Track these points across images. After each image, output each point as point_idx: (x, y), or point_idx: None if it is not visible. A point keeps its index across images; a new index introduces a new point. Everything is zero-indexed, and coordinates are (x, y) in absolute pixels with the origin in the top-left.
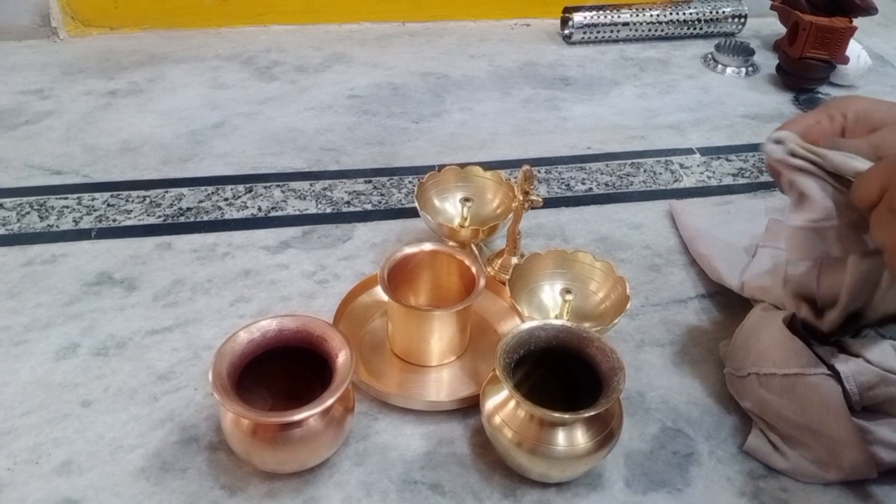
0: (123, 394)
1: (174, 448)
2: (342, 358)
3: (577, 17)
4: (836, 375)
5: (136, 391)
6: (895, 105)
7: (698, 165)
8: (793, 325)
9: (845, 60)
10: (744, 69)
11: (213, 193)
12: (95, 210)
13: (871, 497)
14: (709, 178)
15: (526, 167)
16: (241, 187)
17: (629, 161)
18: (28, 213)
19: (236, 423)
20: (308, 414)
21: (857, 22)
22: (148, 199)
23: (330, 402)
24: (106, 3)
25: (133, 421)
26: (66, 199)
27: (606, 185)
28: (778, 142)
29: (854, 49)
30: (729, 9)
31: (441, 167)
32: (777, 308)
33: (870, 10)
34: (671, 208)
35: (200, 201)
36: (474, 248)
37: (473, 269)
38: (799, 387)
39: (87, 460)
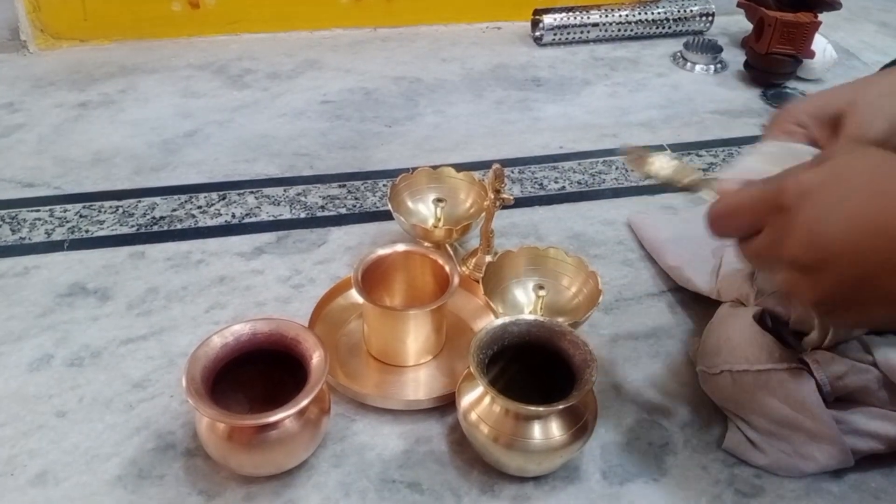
0: (98, 403)
1: (151, 455)
2: (316, 359)
3: (548, 19)
4: (806, 367)
5: (112, 400)
6: (841, 87)
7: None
8: (762, 320)
9: (811, 55)
10: (712, 66)
11: (186, 202)
12: (68, 221)
13: (843, 479)
14: None
15: (496, 166)
16: (214, 195)
17: (601, 159)
18: (0, 226)
19: (212, 428)
20: (283, 415)
21: (821, 17)
22: (121, 210)
23: (304, 403)
24: (75, 15)
25: (109, 430)
26: (38, 211)
27: (579, 183)
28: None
29: (820, 43)
30: (696, 7)
31: (414, 170)
32: (744, 304)
33: (834, 5)
34: (630, 223)
35: (174, 210)
36: (449, 249)
37: (447, 269)
38: (772, 382)
39: (62, 471)
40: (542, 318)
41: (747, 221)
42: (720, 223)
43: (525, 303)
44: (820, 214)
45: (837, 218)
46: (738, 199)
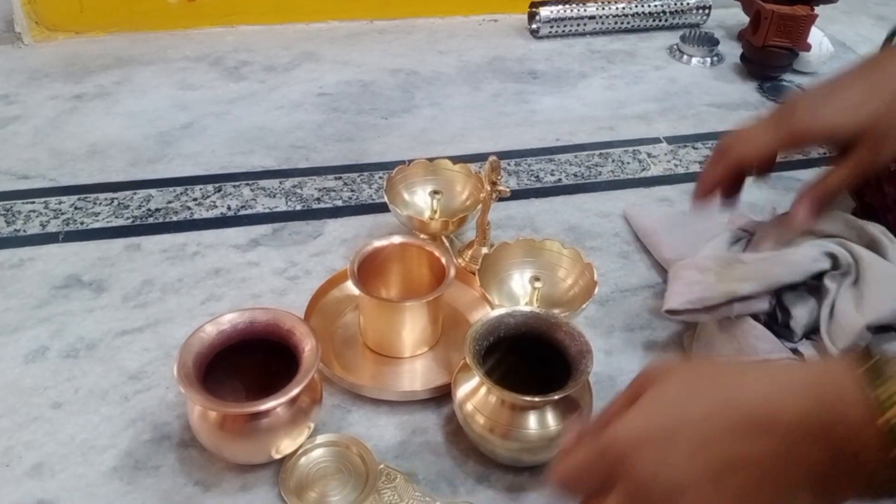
0: (94, 395)
1: (146, 447)
2: (308, 349)
3: (544, 12)
4: (800, 359)
5: (108, 392)
6: (849, 101)
7: (665, 154)
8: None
9: (807, 48)
10: (709, 59)
11: (182, 194)
12: (63, 213)
13: None
14: (675, 166)
15: (492, 158)
16: (210, 187)
17: (597, 151)
18: None
19: (204, 417)
20: (273, 404)
21: (818, 10)
22: (116, 202)
23: (295, 392)
24: (71, 7)
25: (105, 421)
26: (34, 203)
27: (575, 175)
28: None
29: (816, 36)
30: (693, 0)
31: (410, 162)
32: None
33: None
34: (626, 215)
35: (169, 202)
36: (445, 241)
37: (443, 260)
38: None
39: (58, 462)
40: (538, 310)
41: (593, 483)
42: (567, 487)
43: (521, 294)
44: (657, 464)
45: (676, 459)
46: (577, 460)
